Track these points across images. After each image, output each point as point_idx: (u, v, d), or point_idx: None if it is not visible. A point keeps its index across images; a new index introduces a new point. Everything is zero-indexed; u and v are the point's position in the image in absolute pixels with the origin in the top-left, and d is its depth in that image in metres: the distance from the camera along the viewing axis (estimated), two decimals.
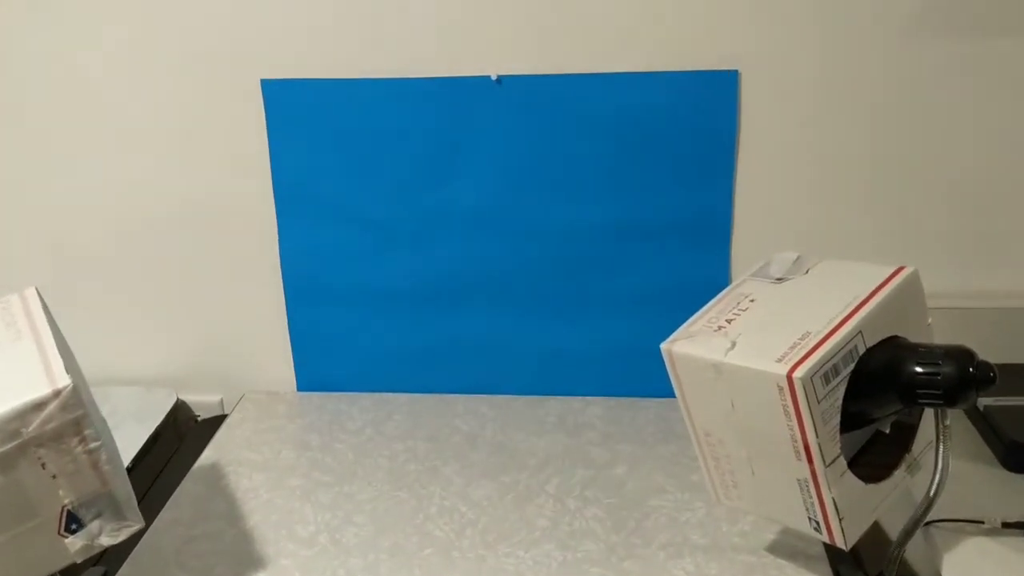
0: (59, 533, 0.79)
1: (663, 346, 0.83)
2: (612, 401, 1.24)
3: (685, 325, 0.84)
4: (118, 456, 0.85)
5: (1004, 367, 0.79)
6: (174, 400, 1.27)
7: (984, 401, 1.02)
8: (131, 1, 1.13)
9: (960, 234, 1.14)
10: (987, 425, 1.01)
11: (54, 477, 0.77)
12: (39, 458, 0.76)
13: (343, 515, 1.02)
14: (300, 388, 1.29)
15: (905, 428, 0.86)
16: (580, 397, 1.25)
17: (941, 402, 0.76)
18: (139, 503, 1.08)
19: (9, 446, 0.74)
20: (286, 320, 1.26)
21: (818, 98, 1.10)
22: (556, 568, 0.92)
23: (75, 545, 0.80)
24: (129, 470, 1.13)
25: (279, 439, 1.18)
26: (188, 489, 1.08)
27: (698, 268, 1.17)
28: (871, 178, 1.13)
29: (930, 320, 0.82)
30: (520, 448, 1.14)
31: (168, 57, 1.15)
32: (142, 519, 0.83)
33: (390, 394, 1.27)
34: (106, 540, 0.81)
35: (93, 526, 0.80)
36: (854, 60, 1.08)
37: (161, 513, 1.03)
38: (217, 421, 1.26)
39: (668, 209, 1.15)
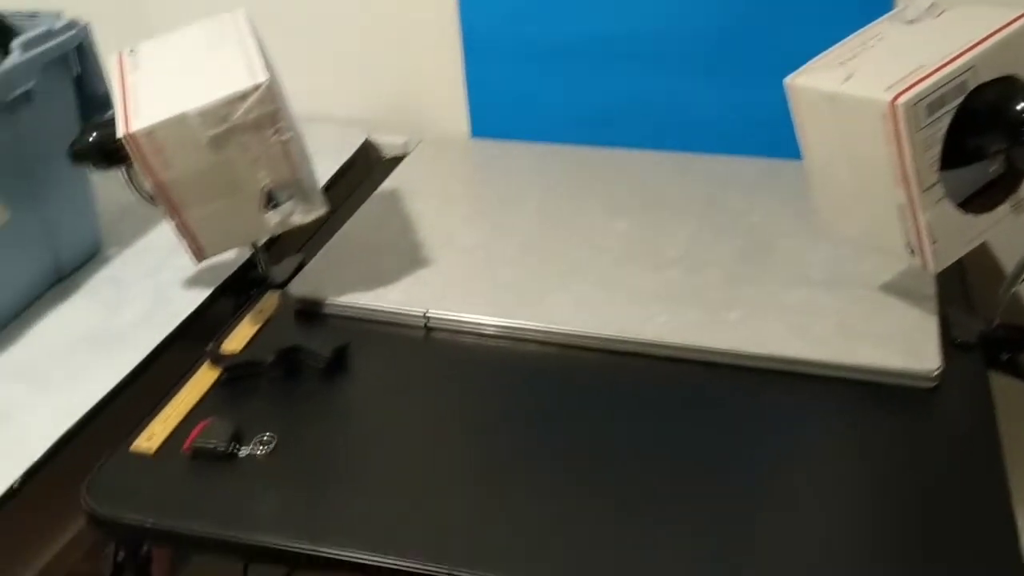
0: (260, 208, 0.97)
1: (786, 80, 0.89)
2: (767, 162, 1.29)
3: (811, 61, 0.89)
4: (306, 152, 1.01)
5: None
6: (363, 139, 1.43)
7: None
8: None
9: None
10: None
11: (255, 161, 0.93)
12: (243, 143, 0.92)
13: (497, 235, 1.15)
14: (475, 135, 1.42)
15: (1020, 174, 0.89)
16: (738, 156, 1.31)
17: None
18: (329, 217, 1.27)
19: (220, 129, 0.91)
20: (463, 69, 1.37)
21: None
22: (676, 287, 1.03)
23: (272, 220, 0.98)
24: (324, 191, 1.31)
25: (450, 175, 1.33)
26: (369, 209, 1.25)
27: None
28: None
29: None
30: (666, 194, 1.23)
31: None
32: (326, 205, 1.00)
33: (558, 145, 1.38)
34: (297, 219, 0.98)
35: (286, 206, 0.97)
36: None
37: (346, 224, 1.21)
38: (400, 159, 1.41)
39: None
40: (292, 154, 0.94)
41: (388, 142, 1.47)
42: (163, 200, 0.93)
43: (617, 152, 1.35)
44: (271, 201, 0.96)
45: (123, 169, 0.98)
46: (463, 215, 1.21)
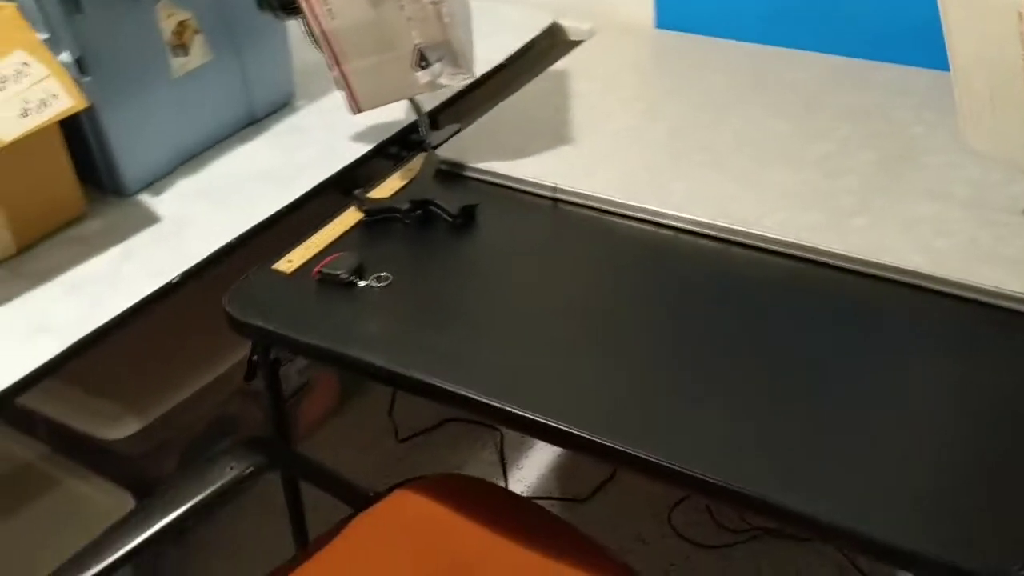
0: (412, 66, 1.04)
1: None
2: (945, 75, 1.22)
3: None
4: (463, 19, 1.06)
5: None
6: (550, 21, 1.47)
7: None
8: None
9: None
10: None
11: (408, 20, 1.00)
12: (399, 1, 0.99)
13: (649, 121, 1.17)
14: (659, 26, 1.43)
15: None
16: (916, 68, 1.25)
17: None
18: (499, 91, 1.33)
19: None
20: None
21: None
22: (807, 188, 1.02)
23: (423, 79, 1.05)
24: (502, 67, 1.37)
25: (622, 62, 1.35)
26: (537, 85, 1.29)
27: None
28: None
29: None
30: (832, 99, 1.20)
31: None
32: (474, 72, 1.06)
33: (738, 42, 1.36)
34: (445, 80, 1.05)
35: (436, 67, 1.04)
36: None
37: (509, 98, 1.26)
38: (581, 43, 1.45)
39: None
40: (443, 16, 1.00)
41: (575, 26, 1.50)
42: (327, 49, 1.02)
43: (795, 53, 1.31)
44: (423, 61, 1.03)
45: (302, 20, 1.08)
46: (622, 99, 1.24)
